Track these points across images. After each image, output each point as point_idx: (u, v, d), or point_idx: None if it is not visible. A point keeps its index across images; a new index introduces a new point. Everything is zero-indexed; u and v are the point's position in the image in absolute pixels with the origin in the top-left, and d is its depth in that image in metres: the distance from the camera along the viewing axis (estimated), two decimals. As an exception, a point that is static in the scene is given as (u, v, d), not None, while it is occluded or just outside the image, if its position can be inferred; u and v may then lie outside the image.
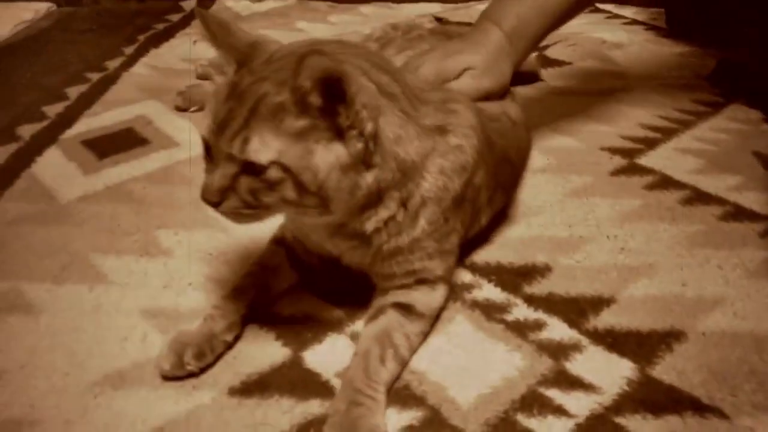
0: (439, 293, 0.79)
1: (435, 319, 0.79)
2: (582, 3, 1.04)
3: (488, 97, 0.93)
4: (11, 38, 1.72)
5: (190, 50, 1.62)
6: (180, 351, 0.72)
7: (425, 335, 0.77)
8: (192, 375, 0.72)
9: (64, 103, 1.34)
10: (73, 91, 1.39)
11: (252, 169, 0.63)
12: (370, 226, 0.73)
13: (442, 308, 0.80)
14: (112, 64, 1.53)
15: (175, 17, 1.86)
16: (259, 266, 0.83)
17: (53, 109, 1.31)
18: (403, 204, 0.73)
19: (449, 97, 0.80)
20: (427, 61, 0.91)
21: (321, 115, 0.63)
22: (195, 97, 1.35)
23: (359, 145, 0.65)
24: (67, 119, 1.27)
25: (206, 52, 1.56)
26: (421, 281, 0.78)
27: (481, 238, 0.93)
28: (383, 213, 0.72)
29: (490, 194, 0.86)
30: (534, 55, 1.33)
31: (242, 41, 0.69)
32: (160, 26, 1.78)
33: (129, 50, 1.61)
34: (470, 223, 0.84)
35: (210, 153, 0.66)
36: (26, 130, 1.23)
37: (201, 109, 1.33)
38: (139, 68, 1.52)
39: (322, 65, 0.60)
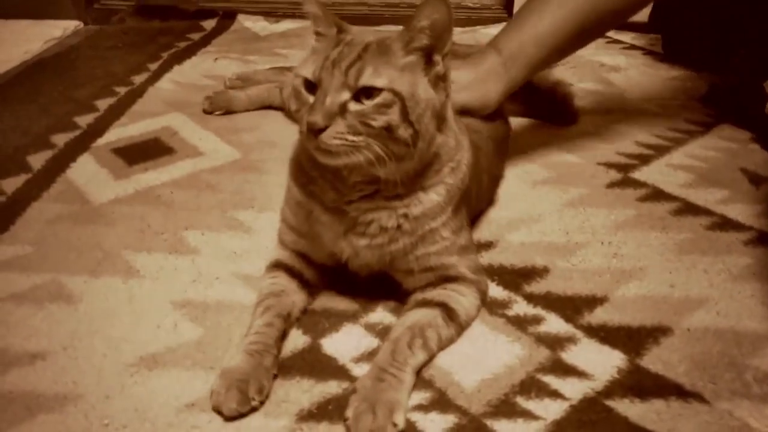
0: (471, 300, 0.85)
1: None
2: (582, 36, 1.11)
3: (467, 111, 1.01)
4: (42, 54, 1.81)
5: (212, 67, 1.70)
6: (242, 388, 0.72)
7: (453, 342, 0.83)
8: (253, 410, 0.72)
9: (94, 114, 1.42)
10: (103, 104, 1.47)
11: (363, 97, 0.73)
12: (415, 208, 0.81)
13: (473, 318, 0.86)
14: (139, 78, 1.62)
15: (196, 36, 1.95)
16: (274, 313, 0.82)
17: (84, 120, 1.39)
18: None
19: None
20: None
21: (424, 59, 0.76)
22: (221, 102, 1.45)
23: (444, 98, 0.79)
24: (98, 129, 1.36)
25: (226, 68, 1.66)
26: (446, 279, 0.85)
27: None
28: (432, 196, 0.82)
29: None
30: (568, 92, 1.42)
31: (336, 18, 0.80)
32: (182, 44, 1.87)
33: (154, 66, 1.70)
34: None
35: (312, 92, 0.75)
36: (60, 139, 1.31)
37: (226, 112, 1.45)
38: (164, 83, 1.60)
39: (443, 7, 0.73)
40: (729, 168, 1.24)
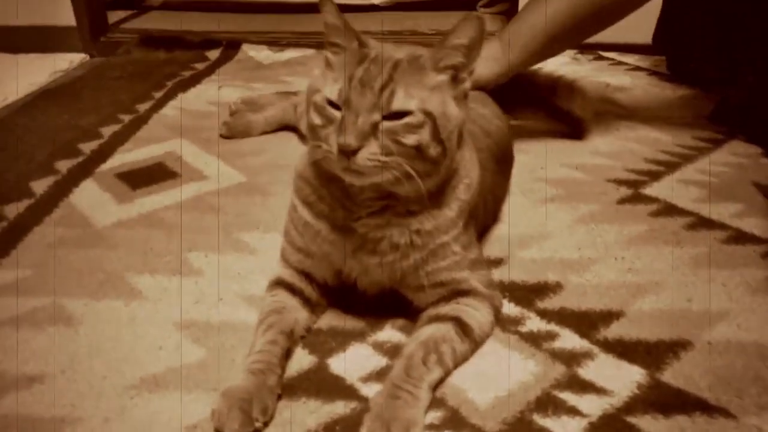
0: (485, 315, 0.82)
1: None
2: (574, 30, 1.20)
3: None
4: (48, 85, 1.82)
5: (218, 95, 1.71)
6: (245, 407, 0.69)
7: (468, 358, 0.80)
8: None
9: (98, 141, 1.41)
10: (107, 131, 1.47)
11: (395, 116, 0.72)
12: (428, 223, 0.79)
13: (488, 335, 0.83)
14: (143, 106, 1.62)
15: (201, 66, 1.96)
16: (276, 330, 0.79)
17: (88, 146, 1.39)
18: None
19: None
20: None
21: (453, 76, 0.76)
22: (239, 126, 1.45)
23: (464, 115, 0.79)
24: (102, 155, 1.35)
25: (231, 96, 1.66)
26: (458, 293, 0.82)
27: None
28: (446, 212, 0.81)
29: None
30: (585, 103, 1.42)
31: (355, 29, 0.77)
32: (187, 73, 1.88)
33: (158, 94, 1.70)
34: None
35: (338, 108, 0.73)
36: (63, 165, 1.30)
37: (245, 136, 1.44)
38: (168, 110, 1.60)
39: (480, 25, 0.73)
40: (741, 182, 1.22)
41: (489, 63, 1.17)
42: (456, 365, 0.78)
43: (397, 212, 0.79)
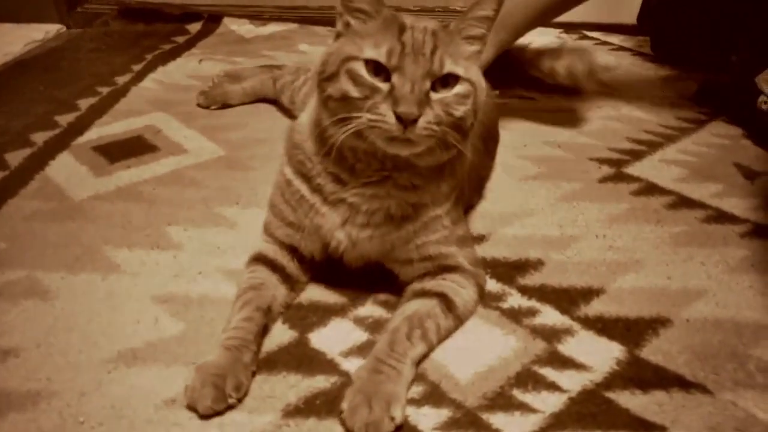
0: (470, 292, 0.82)
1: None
2: (565, 3, 1.17)
3: None
4: (23, 56, 1.77)
5: (198, 68, 1.68)
6: (219, 383, 0.68)
7: (451, 334, 0.80)
8: (229, 408, 0.69)
9: (75, 113, 1.38)
10: (84, 103, 1.44)
11: (441, 87, 0.72)
12: (426, 197, 0.79)
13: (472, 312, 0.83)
14: (122, 79, 1.58)
15: (181, 39, 1.92)
16: (253, 307, 0.78)
17: (65, 119, 1.35)
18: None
19: None
20: None
21: (480, 45, 0.76)
22: (216, 96, 1.43)
23: None
24: (79, 127, 1.32)
25: (211, 70, 1.63)
26: (445, 268, 0.82)
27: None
28: (442, 186, 0.81)
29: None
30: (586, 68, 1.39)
31: None
32: (167, 47, 1.84)
33: (137, 67, 1.66)
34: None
35: (381, 78, 0.70)
36: (39, 137, 1.27)
37: (222, 106, 1.42)
38: (148, 83, 1.57)
39: None
40: (722, 163, 1.23)
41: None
42: (440, 341, 0.78)
43: (399, 185, 0.78)
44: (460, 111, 0.72)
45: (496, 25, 1.04)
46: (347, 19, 0.74)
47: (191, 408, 0.68)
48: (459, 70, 0.72)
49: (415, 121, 0.68)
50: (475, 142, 0.96)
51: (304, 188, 0.81)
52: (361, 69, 0.71)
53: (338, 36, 0.76)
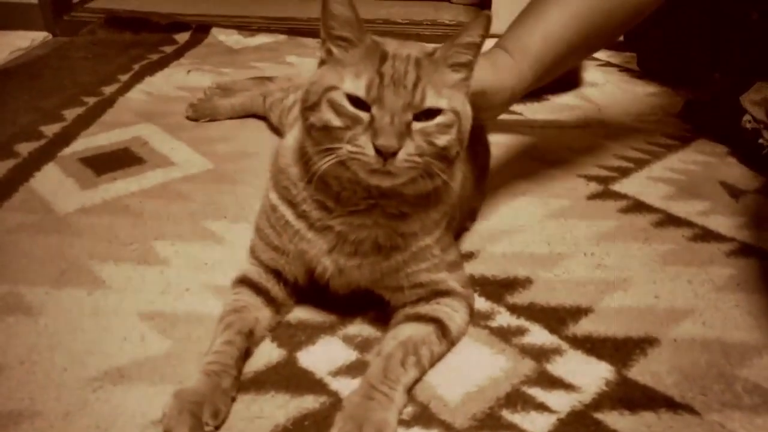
0: (463, 316, 0.82)
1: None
2: (587, 40, 1.03)
3: (481, 95, 0.90)
4: (7, 64, 1.75)
5: (186, 79, 1.67)
6: (196, 411, 0.67)
7: (442, 358, 0.79)
8: None
9: (61, 124, 1.37)
10: (70, 113, 1.42)
11: (423, 116, 0.70)
12: (414, 225, 0.78)
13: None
14: (109, 89, 1.57)
15: (169, 49, 1.91)
16: (234, 330, 0.77)
17: (51, 129, 1.34)
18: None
19: None
20: None
21: (466, 73, 0.75)
22: (205, 109, 1.43)
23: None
24: (65, 138, 1.30)
25: (199, 81, 1.63)
26: (437, 293, 0.82)
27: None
28: (432, 213, 0.79)
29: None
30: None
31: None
32: (155, 57, 1.83)
33: (124, 77, 1.65)
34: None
35: (361, 108, 0.69)
36: (24, 148, 1.25)
37: (210, 120, 1.42)
38: (135, 94, 1.56)
39: (488, 23, 0.73)
40: (708, 181, 1.24)
41: (504, 73, 0.95)
42: (432, 366, 0.77)
43: (387, 213, 0.77)
44: (442, 141, 0.71)
45: (516, 56, 0.95)
46: (329, 47, 0.74)
47: None
48: (442, 102, 0.71)
49: (394, 153, 0.68)
50: (467, 167, 0.95)
51: (288, 213, 0.80)
52: (342, 99, 0.70)
53: (321, 63, 0.75)
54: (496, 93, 0.93)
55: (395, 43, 0.75)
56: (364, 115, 0.69)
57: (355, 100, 0.70)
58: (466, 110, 0.75)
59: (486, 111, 0.93)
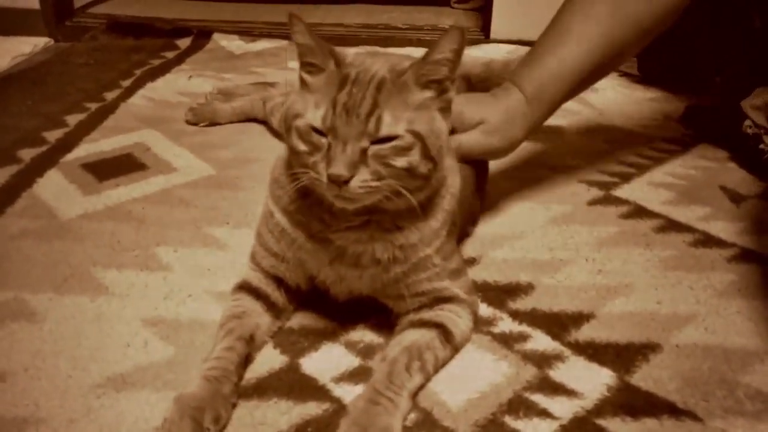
0: (467, 322, 0.82)
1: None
2: (600, 71, 1.06)
3: (492, 155, 0.99)
4: (9, 70, 1.76)
5: (188, 85, 1.68)
6: (197, 416, 0.67)
7: (446, 364, 0.79)
8: None
9: (63, 130, 1.37)
10: (73, 119, 1.43)
11: (383, 140, 0.70)
12: (412, 236, 0.78)
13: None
14: (110, 95, 1.57)
15: (171, 54, 1.92)
16: (235, 336, 0.77)
17: (53, 135, 1.35)
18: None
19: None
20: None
21: (438, 89, 0.74)
22: (205, 113, 1.43)
23: (449, 123, 0.77)
24: (67, 144, 1.31)
25: (201, 86, 1.63)
26: (440, 299, 0.82)
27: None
28: (431, 223, 0.79)
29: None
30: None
31: (329, 45, 0.75)
32: (156, 62, 1.84)
33: (126, 83, 1.66)
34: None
35: (323, 135, 0.70)
36: (27, 154, 1.26)
37: (210, 124, 1.42)
38: (137, 99, 1.57)
39: (461, 37, 0.71)
40: (709, 186, 1.24)
41: (517, 124, 0.99)
42: (436, 371, 0.77)
43: (383, 227, 0.77)
44: (401, 162, 0.70)
45: (534, 101, 0.99)
46: (302, 73, 0.75)
47: None
48: (399, 129, 0.69)
49: (347, 181, 0.68)
50: (467, 172, 0.95)
51: (284, 221, 0.80)
52: (306, 127, 0.71)
53: (301, 85, 0.76)
54: (506, 152, 1.01)
55: (370, 60, 0.74)
56: (323, 142, 0.70)
57: (316, 129, 0.71)
58: (436, 127, 0.73)
59: (503, 155, 1.02)
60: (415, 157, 0.71)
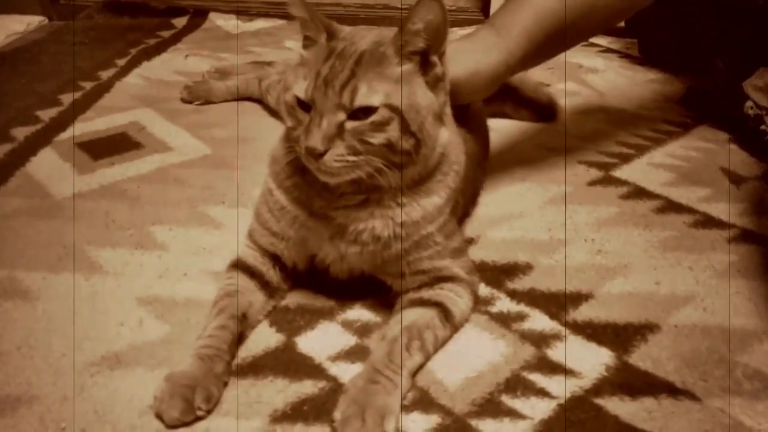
0: (467, 302, 0.81)
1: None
2: (582, 25, 1.00)
3: (453, 89, 0.87)
4: (3, 48, 1.74)
5: (184, 64, 1.66)
6: (187, 395, 0.66)
7: (446, 343, 0.79)
8: (198, 420, 0.67)
9: (57, 108, 1.35)
10: (67, 98, 1.41)
11: (360, 114, 0.69)
12: (414, 213, 0.77)
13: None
14: (106, 74, 1.55)
15: (167, 33, 1.90)
16: (228, 315, 0.76)
17: (47, 114, 1.33)
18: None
19: None
20: None
21: (420, 62, 0.72)
22: (200, 92, 1.42)
23: (444, 98, 0.75)
24: (61, 123, 1.29)
25: (197, 66, 1.62)
26: (441, 279, 0.81)
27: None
28: (435, 200, 0.78)
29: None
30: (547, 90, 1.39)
31: (325, 20, 0.74)
32: (152, 41, 1.82)
33: (122, 62, 1.64)
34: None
35: (306, 110, 0.70)
36: (20, 132, 1.24)
37: (205, 102, 1.41)
38: (132, 78, 1.55)
39: (436, 7, 0.69)
40: (709, 167, 1.23)
41: (479, 52, 0.92)
42: (436, 351, 0.77)
43: (383, 204, 0.76)
44: (379, 138, 0.69)
45: (501, 30, 0.93)
46: (301, 48, 0.75)
47: (158, 417, 0.66)
48: (374, 99, 0.68)
49: (322, 154, 0.68)
50: (469, 151, 0.94)
51: (282, 198, 0.80)
52: (293, 100, 0.72)
53: (300, 60, 0.76)
54: (481, 73, 0.92)
55: (361, 34, 0.73)
56: (304, 117, 0.71)
57: (301, 102, 0.71)
58: (417, 101, 0.71)
59: (474, 93, 0.94)
60: (393, 133, 0.70)
